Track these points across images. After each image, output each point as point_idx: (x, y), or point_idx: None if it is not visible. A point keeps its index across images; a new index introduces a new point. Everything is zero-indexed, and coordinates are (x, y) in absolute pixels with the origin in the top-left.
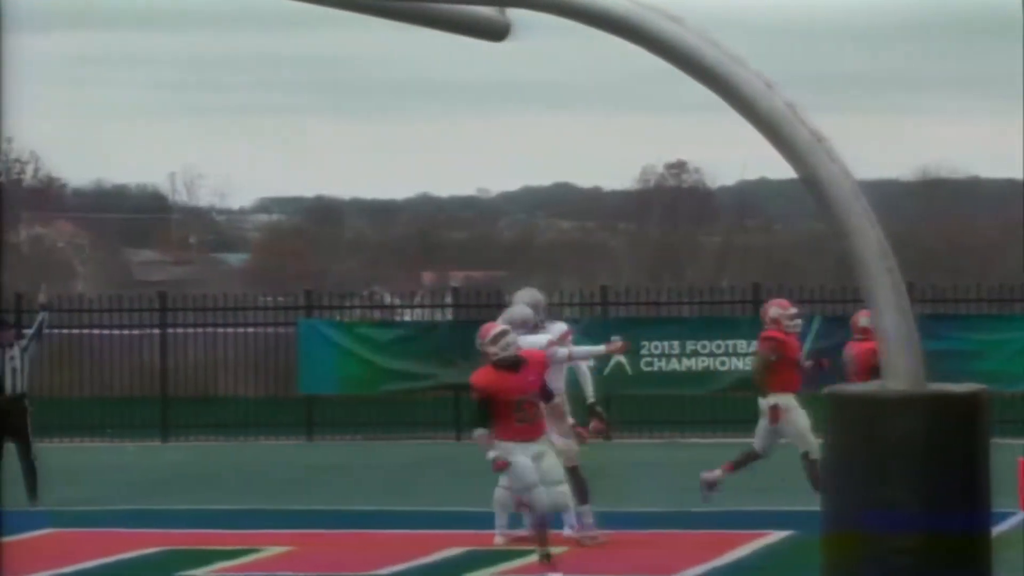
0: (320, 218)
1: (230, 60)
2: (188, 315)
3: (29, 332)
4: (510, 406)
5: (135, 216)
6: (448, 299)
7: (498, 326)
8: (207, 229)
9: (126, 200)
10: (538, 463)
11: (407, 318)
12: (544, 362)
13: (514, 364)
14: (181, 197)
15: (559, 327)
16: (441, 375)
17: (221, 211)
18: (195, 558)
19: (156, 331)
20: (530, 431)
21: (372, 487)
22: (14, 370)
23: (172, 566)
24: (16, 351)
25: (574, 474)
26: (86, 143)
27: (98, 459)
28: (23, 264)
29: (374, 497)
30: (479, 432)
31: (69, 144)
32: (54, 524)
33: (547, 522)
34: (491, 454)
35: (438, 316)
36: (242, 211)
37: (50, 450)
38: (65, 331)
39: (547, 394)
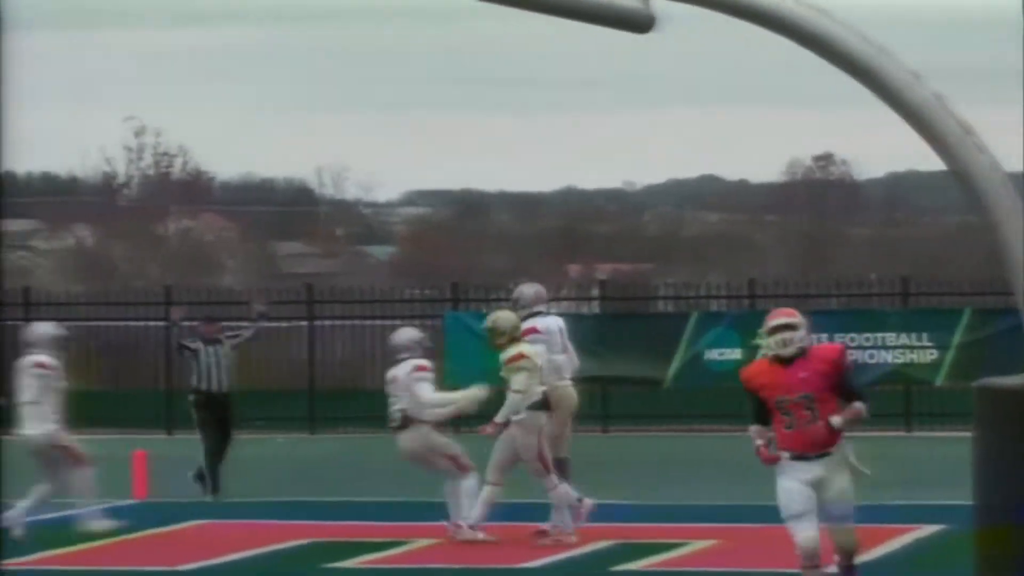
0: (466, 211)
1: (377, 54)
2: (335, 308)
3: (245, 333)
4: (778, 406)
5: (282, 209)
6: (595, 292)
7: (783, 316)
8: (354, 222)
9: (273, 193)
10: (818, 489)
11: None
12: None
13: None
14: (328, 190)
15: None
16: (587, 367)
17: (368, 204)
18: (342, 550)
19: (304, 324)
20: (802, 441)
21: (518, 481)
22: (219, 365)
23: (319, 558)
24: (222, 347)
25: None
26: (234, 137)
27: (247, 452)
28: (172, 257)
29: (521, 490)
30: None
31: (217, 138)
32: (204, 516)
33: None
34: (757, 442)
35: (584, 309)
36: (388, 204)
37: (195, 443)
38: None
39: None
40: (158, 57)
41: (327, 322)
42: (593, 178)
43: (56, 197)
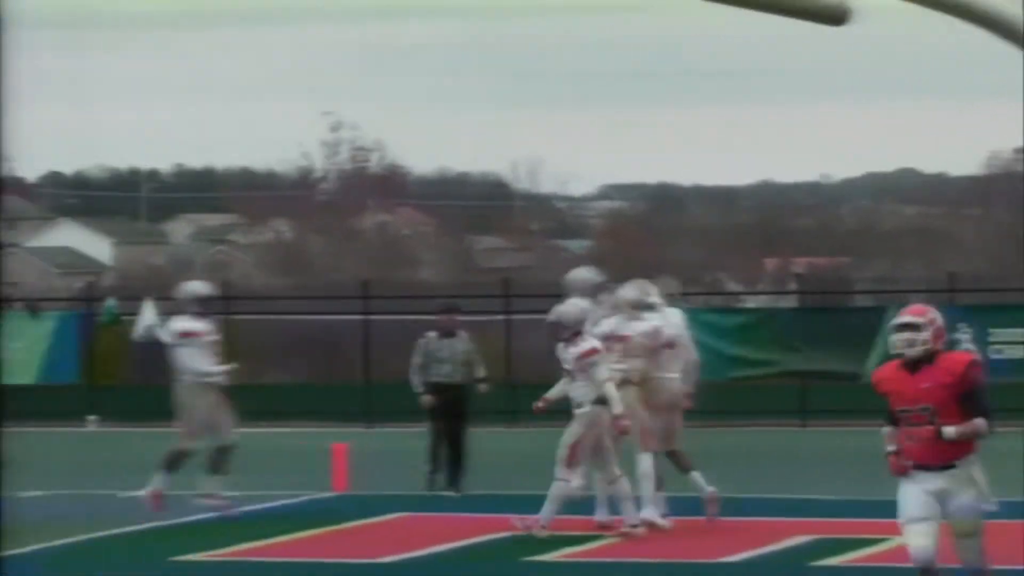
0: (661, 204)
1: (573, 48)
2: (531, 302)
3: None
4: (901, 416)
5: (478, 203)
6: (792, 286)
7: (909, 314)
8: (549, 216)
9: (469, 187)
10: (943, 501)
11: (750, 305)
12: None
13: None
14: (523, 184)
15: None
16: (784, 361)
17: (563, 198)
18: (543, 543)
19: (500, 317)
20: (922, 452)
21: (717, 474)
22: (454, 358)
23: (520, 551)
24: (458, 340)
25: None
26: (430, 131)
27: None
28: (369, 251)
29: (719, 484)
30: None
31: (414, 132)
32: (403, 508)
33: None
34: (888, 448)
35: (781, 303)
36: (584, 198)
37: (401, 436)
38: (410, 317)
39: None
40: (355, 52)
41: (523, 316)
42: (789, 171)
43: (254, 192)
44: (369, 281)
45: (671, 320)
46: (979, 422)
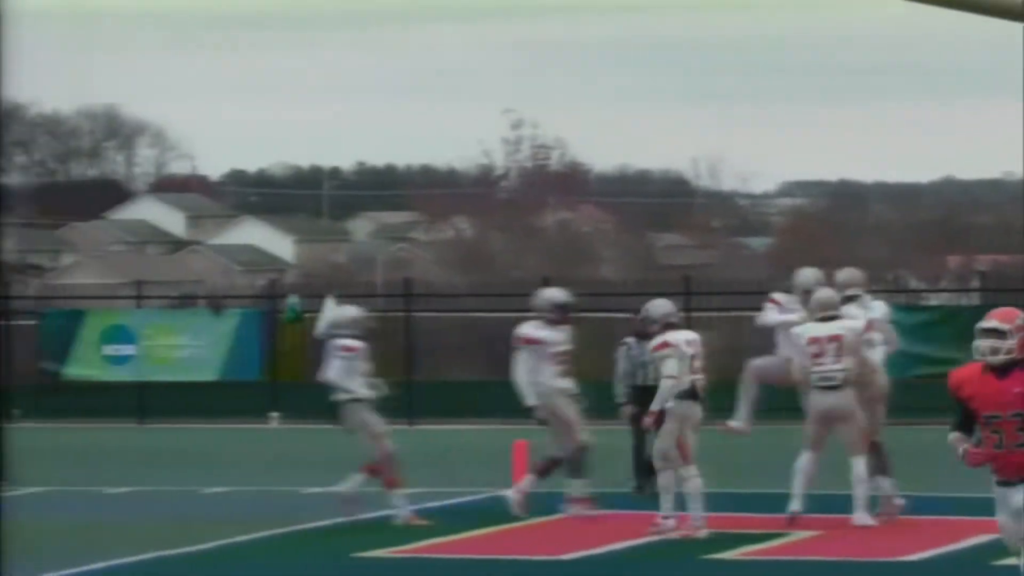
0: (843, 202)
1: (755, 44)
2: (712, 299)
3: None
4: (988, 423)
5: (659, 200)
6: (975, 283)
7: (993, 319)
8: (730, 213)
9: (649, 184)
10: (1019, 519)
11: (932, 302)
12: None
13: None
14: (704, 182)
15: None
16: (967, 359)
17: (744, 195)
18: (722, 541)
19: (681, 315)
20: (1006, 463)
21: (898, 472)
22: (644, 363)
23: (699, 549)
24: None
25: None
26: (611, 128)
27: (620, 442)
28: (550, 248)
29: (901, 482)
30: (951, 436)
31: (594, 129)
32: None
33: None
34: (959, 449)
35: (963, 300)
36: (765, 195)
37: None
38: (590, 315)
39: None
40: (535, 49)
41: (704, 313)
42: (972, 168)
43: (435, 189)
44: (549, 278)
45: (874, 312)
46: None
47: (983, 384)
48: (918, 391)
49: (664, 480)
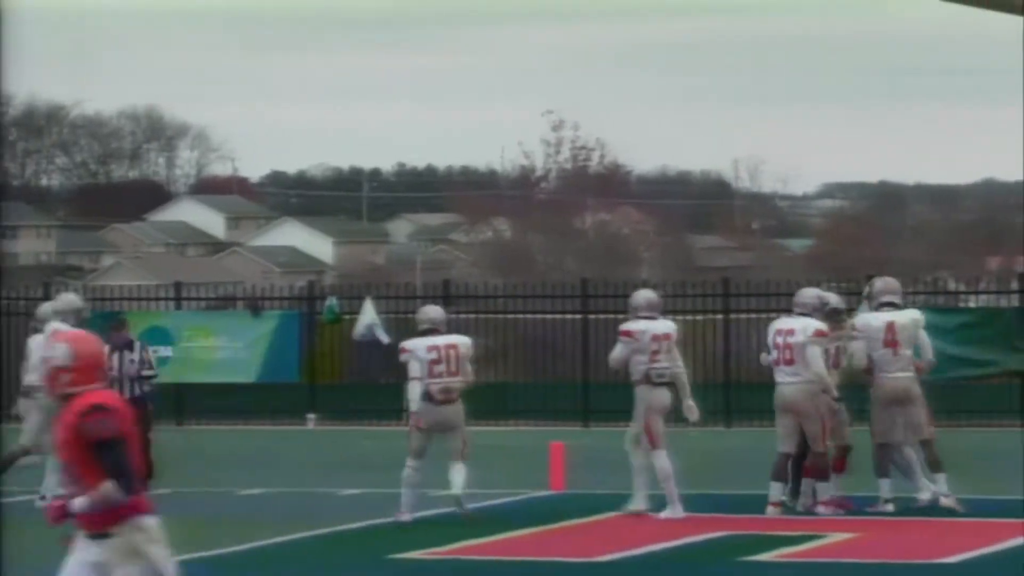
0: (883, 203)
1: (793, 46)
2: (750, 301)
3: None
4: None
5: (698, 202)
6: (1014, 285)
7: None
8: (770, 215)
9: (689, 186)
10: None
11: (972, 304)
12: None
13: None
14: (744, 183)
15: None
16: (1006, 361)
17: (784, 197)
18: (759, 543)
19: (719, 317)
20: None
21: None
22: None
23: (736, 551)
24: None
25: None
26: (651, 130)
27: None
28: (589, 250)
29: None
30: None
31: (634, 131)
32: (615, 508)
33: None
34: None
35: (1003, 302)
36: (805, 197)
37: (618, 435)
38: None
39: None
40: (575, 51)
41: (742, 315)
42: (1013, 170)
43: (475, 191)
44: (588, 280)
45: (905, 319)
46: None
47: None
48: (957, 393)
49: (635, 462)
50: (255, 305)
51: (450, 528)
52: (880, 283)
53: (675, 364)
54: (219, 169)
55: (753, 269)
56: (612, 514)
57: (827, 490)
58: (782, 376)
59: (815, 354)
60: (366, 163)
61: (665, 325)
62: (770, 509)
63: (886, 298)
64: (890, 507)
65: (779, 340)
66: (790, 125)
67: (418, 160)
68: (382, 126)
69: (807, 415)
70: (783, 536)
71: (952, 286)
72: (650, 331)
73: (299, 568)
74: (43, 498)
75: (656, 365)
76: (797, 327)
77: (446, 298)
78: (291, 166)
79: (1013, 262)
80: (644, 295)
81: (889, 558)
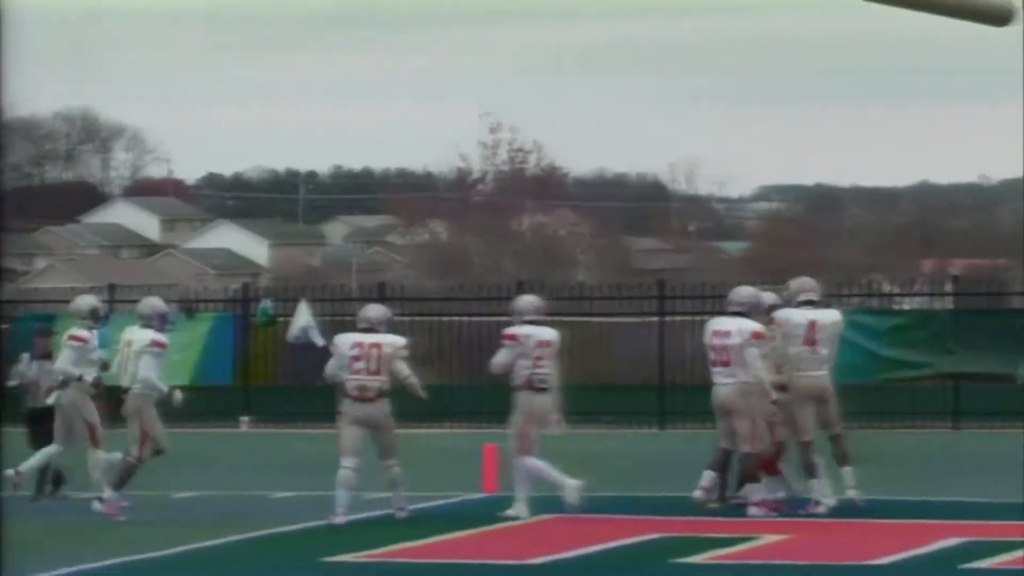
0: (819, 206)
1: (730, 48)
2: (686, 303)
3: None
4: None
5: (635, 204)
6: (948, 287)
7: None
8: (706, 217)
9: (626, 188)
10: None
11: (906, 306)
12: None
13: None
14: (680, 186)
15: None
16: (939, 363)
17: (720, 199)
18: (692, 546)
19: (655, 319)
20: None
21: (868, 476)
22: None
23: (669, 553)
24: None
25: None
26: (588, 132)
27: (596, 446)
28: (525, 252)
29: (870, 486)
30: None
31: (571, 133)
32: (553, 510)
33: None
34: None
35: (937, 304)
36: (741, 199)
37: (548, 438)
38: (564, 319)
39: None
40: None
41: (678, 317)
42: (948, 172)
43: (412, 193)
44: (524, 282)
45: (827, 319)
46: None
47: None
48: (890, 395)
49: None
50: (189, 307)
51: (383, 531)
52: (796, 283)
53: (551, 372)
54: (154, 171)
55: (689, 271)
56: (545, 516)
57: (758, 491)
58: (719, 377)
59: (754, 355)
60: (302, 165)
61: (549, 332)
62: (697, 493)
63: (804, 296)
64: (823, 507)
65: (716, 341)
66: (726, 128)
67: (354, 162)
68: (317, 128)
69: (739, 414)
70: (716, 538)
71: (887, 288)
72: (535, 336)
73: (232, 571)
74: (100, 500)
75: (539, 371)
76: (733, 328)
77: (382, 300)
78: (227, 168)
79: (947, 265)
80: (529, 300)
81: (821, 560)
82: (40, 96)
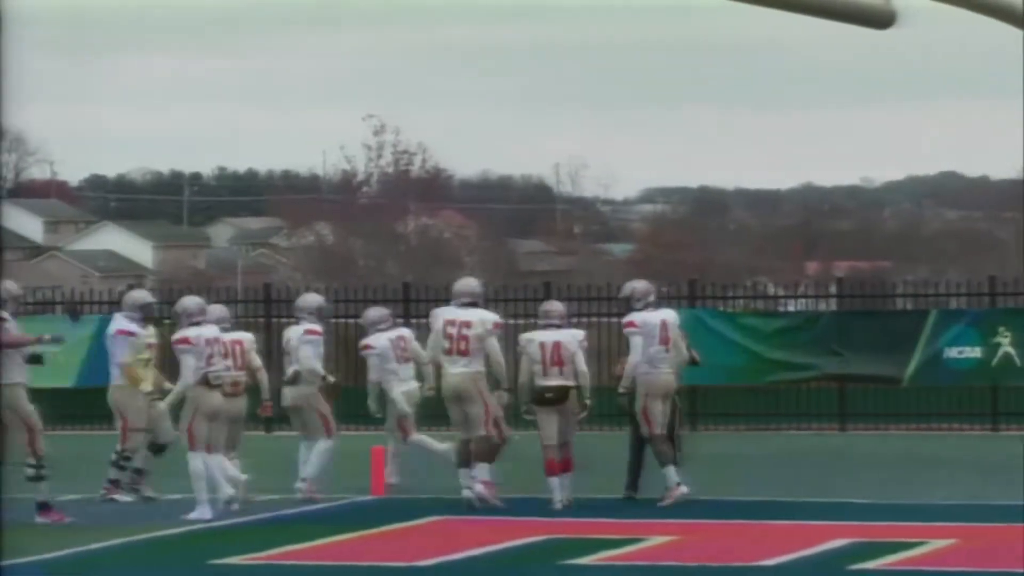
0: (704, 208)
1: (614, 50)
2: (572, 305)
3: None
4: None
5: (520, 206)
6: (832, 289)
7: None
8: (591, 219)
9: (511, 190)
10: None
11: (791, 308)
12: None
13: None
14: (566, 188)
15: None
16: (825, 365)
17: (605, 202)
18: (580, 547)
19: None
20: None
21: (755, 477)
22: None
23: (557, 554)
24: None
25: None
26: (473, 134)
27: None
28: (411, 254)
29: (758, 487)
30: None
31: (456, 135)
32: (442, 512)
33: None
34: None
35: (822, 306)
36: (626, 201)
37: (435, 437)
38: None
39: None
40: (396, 56)
41: None
42: (831, 174)
43: (296, 195)
44: (410, 284)
45: (672, 318)
46: None
47: None
48: (776, 397)
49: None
50: (74, 310)
51: (271, 533)
52: (642, 285)
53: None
54: (37, 172)
55: (575, 273)
56: (434, 518)
57: (485, 472)
58: (455, 366)
59: (494, 345)
60: (186, 167)
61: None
62: (478, 487)
63: (648, 299)
64: (682, 489)
65: (452, 331)
66: (611, 130)
67: (239, 164)
68: (202, 129)
69: (470, 399)
70: (604, 539)
71: (771, 291)
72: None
73: (118, 573)
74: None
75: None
76: (475, 319)
77: (267, 302)
78: (111, 170)
79: (830, 267)
80: (379, 311)
81: (709, 561)
82: None
